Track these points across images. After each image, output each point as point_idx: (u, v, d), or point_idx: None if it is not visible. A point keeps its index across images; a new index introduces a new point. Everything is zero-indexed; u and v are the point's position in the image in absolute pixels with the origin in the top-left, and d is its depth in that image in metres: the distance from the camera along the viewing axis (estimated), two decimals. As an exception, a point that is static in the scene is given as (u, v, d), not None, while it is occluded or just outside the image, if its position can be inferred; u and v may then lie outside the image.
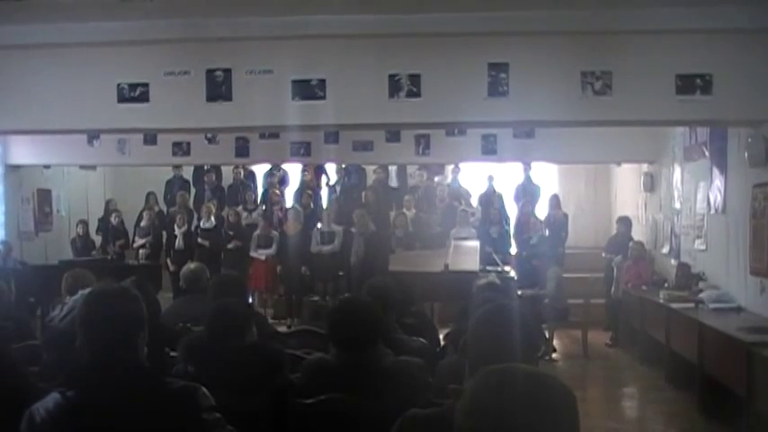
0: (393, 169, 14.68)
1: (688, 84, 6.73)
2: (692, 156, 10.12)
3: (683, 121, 8.36)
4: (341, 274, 12.50)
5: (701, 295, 8.71)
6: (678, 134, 10.64)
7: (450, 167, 14.45)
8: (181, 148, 12.07)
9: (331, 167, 14.67)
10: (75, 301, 3.75)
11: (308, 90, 7.07)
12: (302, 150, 11.89)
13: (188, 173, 14.88)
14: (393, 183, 14.70)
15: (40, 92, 7.33)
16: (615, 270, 11.51)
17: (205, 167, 14.42)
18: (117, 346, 2.63)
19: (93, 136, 11.63)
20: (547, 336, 10.22)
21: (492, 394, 1.66)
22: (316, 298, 12.45)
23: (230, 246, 12.98)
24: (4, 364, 3.44)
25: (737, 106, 6.79)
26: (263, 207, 13.92)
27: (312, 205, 13.68)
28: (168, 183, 14.80)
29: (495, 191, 13.90)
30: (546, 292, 10.60)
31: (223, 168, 14.76)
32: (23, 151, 12.35)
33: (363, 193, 13.82)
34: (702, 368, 7.58)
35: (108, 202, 14.54)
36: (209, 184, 14.47)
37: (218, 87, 7.15)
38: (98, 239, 14.10)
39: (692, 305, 8.59)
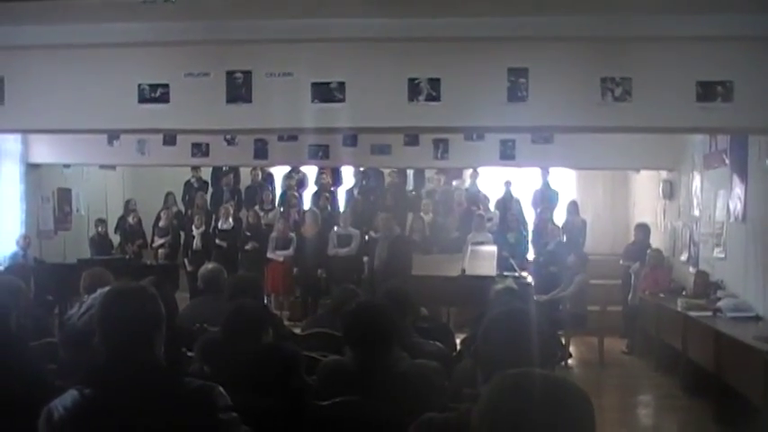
0: (410, 173, 14.68)
1: (708, 91, 6.69)
2: (711, 163, 10.06)
3: (703, 128, 8.31)
4: (363, 277, 12.46)
5: (719, 304, 8.65)
6: (698, 141, 10.58)
7: (468, 172, 14.44)
8: (200, 149, 12.12)
9: (349, 170, 14.70)
10: (94, 299, 3.76)
11: (327, 93, 7.08)
12: (320, 153, 11.91)
13: (206, 174, 14.95)
14: (409, 186, 14.70)
15: (61, 92, 7.37)
16: (633, 277, 11.46)
17: (223, 169, 14.49)
18: (134, 344, 2.65)
19: (113, 136, 11.69)
20: (563, 342, 10.19)
21: (508, 398, 1.66)
22: (328, 301, 12.42)
23: (248, 247, 13.04)
24: (22, 362, 3.47)
25: (758, 114, 6.73)
26: (281, 209, 13.97)
27: (329, 208, 13.69)
28: (187, 183, 14.87)
29: (512, 196, 13.86)
30: (566, 294, 10.53)
31: (241, 170, 14.82)
32: (44, 150, 12.45)
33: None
34: (719, 377, 7.53)
35: (127, 202, 14.61)
36: (226, 185, 14.53)
37: (238, 89, 7.17)
38: (116, 239, 14.18)
39: (709, 313, 8.54)
